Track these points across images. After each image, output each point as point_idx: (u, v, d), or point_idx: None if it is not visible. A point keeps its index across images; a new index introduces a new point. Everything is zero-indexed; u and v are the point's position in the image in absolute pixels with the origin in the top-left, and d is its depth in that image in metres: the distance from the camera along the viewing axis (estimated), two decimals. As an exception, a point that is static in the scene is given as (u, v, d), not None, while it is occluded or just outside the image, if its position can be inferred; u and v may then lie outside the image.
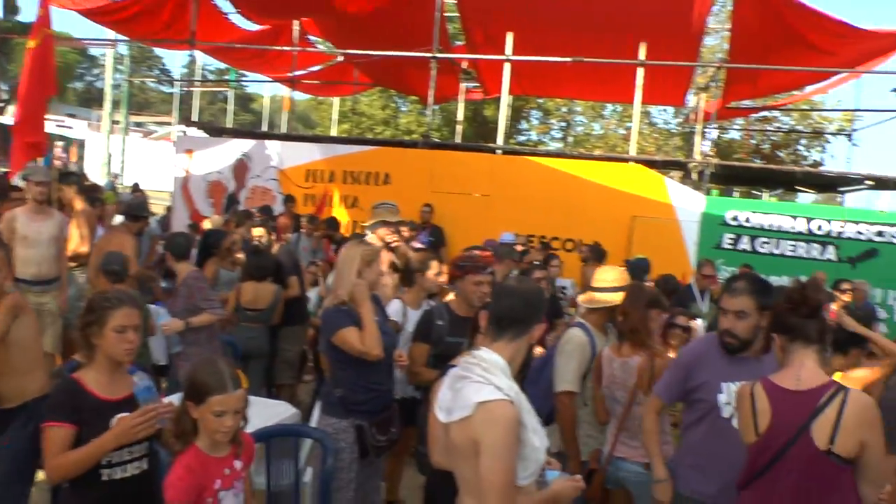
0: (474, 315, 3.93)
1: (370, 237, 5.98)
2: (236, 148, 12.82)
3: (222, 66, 26.33)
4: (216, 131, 15.48)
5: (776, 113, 24.26)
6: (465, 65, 16.54)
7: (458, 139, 15.69)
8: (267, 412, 4.23)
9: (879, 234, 10.52)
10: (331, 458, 3.71)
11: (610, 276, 4.40)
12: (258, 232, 7.33)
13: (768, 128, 24.90)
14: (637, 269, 7.19)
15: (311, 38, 17.30)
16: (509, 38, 11.92)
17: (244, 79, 25.57)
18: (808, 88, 18.07)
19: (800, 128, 25.18)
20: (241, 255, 7.22)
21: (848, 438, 2.64)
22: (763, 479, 2.79)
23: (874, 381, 4.08)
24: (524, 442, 2.33)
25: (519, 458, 2.31)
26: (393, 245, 6.08)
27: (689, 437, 3.56)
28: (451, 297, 4.70)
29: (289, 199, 11.47)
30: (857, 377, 4.04)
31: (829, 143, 25.80)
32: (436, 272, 5.23)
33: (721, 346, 3.41)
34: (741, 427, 2.90)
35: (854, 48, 12.55)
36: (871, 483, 2.74)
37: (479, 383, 2.32)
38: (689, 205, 10.91)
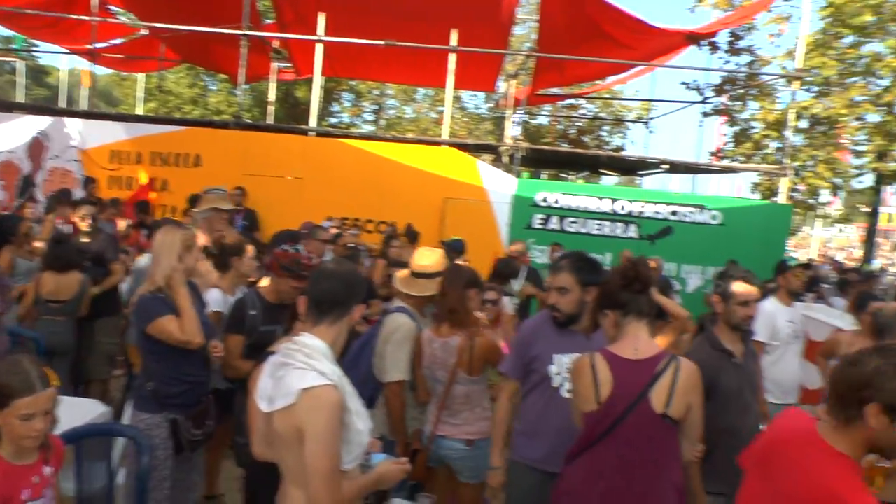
0: (292, 302, 3.89)
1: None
2: (31, 125, 11.84)
3: (8, 33, 24.26)
4: (5, 106, 14.23)
5: (581, 101, 25.54)
6: (276, 44, 16.17)
7: (269, 120, 15.30)
8: (75, 411, 3.98)
9: (674, 213, 11.35)
10: (146, 457, 3.54)
11: (429, 260, 4.43)
12: (84, 212, 6.78)
13: (574, 114, 26.14)
14: (452, 249, 7.37)
15: (112, 8, 16.26)
16: (321, 19, 11.77)
17: (36, 49, 23.60)
18: (610, 79, 19.14)
19: (603, 115, 26.65)
20: (39, 244, 6.72)
21: (680, 401, 2.91)
22: (601, 445, 2.95)
23: (669, 344, 4.40)
24: (348, 426, 2.34)
25: (343, 442, 2.32)
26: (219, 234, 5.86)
27: (522, 406, 3.73)
28: (263, 283, 4.60)
29: (89, 182, 10.79)
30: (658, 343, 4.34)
31: (629, 129, 27.59)
32: (252, 256, 5.12)
33: (551, 320, 3.61)
34: (580, 396, 3.02)
35: (649, 44, 13.43)
36: (690, 441, 3.06)
37: (302, 370, 2.31)
38: (500, 187, 11.26)
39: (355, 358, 4.37)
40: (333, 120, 31.79)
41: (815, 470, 2.14)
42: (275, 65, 16.88)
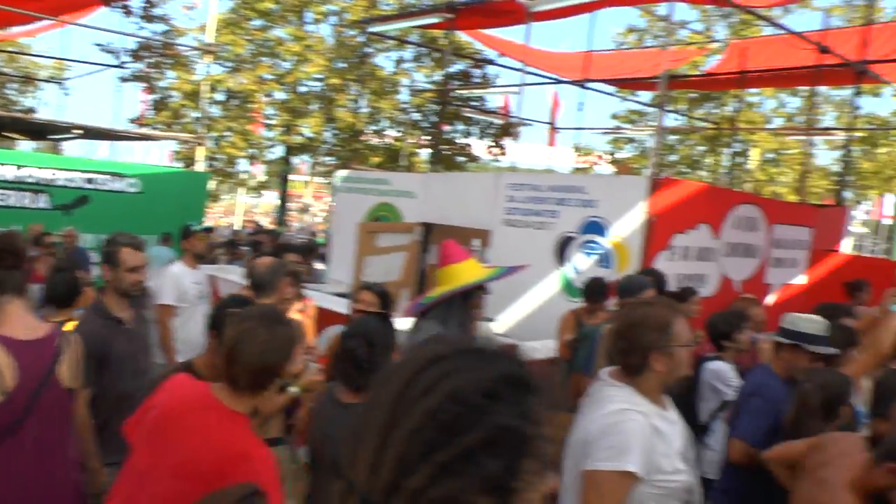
0: None
1: None
2: None
3: None
4: None
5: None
6: None
7: None
8: None
9: (90, 181, 10.97)
10: None
11: None
12: None
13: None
14: None
15: None
16: None
17: None
18: (14, 30, 17.55)
19: (9, 71, 24.47)
20: None
21: (77, 373, 2.98)
22: (13, 438, 2.77)
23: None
24: None
25: None
26: None
27: None
28: None
29: None
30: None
31: (41, 89, 25.75)
32: None
33: None
34: None
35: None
36: None
37: None
38: None
39: None
40: None
41: (216, 431, 2.29)
42: None
